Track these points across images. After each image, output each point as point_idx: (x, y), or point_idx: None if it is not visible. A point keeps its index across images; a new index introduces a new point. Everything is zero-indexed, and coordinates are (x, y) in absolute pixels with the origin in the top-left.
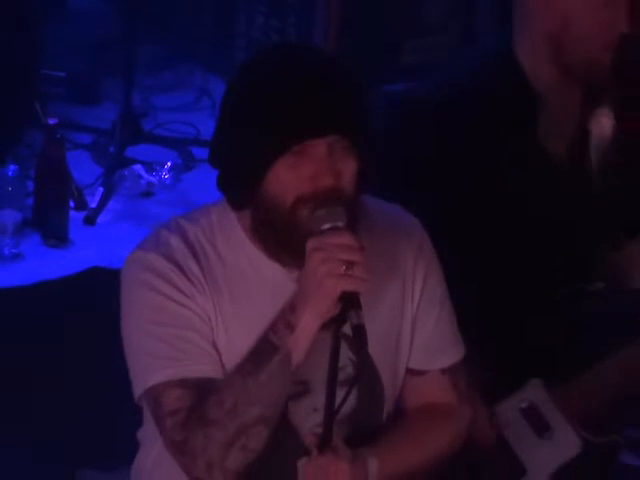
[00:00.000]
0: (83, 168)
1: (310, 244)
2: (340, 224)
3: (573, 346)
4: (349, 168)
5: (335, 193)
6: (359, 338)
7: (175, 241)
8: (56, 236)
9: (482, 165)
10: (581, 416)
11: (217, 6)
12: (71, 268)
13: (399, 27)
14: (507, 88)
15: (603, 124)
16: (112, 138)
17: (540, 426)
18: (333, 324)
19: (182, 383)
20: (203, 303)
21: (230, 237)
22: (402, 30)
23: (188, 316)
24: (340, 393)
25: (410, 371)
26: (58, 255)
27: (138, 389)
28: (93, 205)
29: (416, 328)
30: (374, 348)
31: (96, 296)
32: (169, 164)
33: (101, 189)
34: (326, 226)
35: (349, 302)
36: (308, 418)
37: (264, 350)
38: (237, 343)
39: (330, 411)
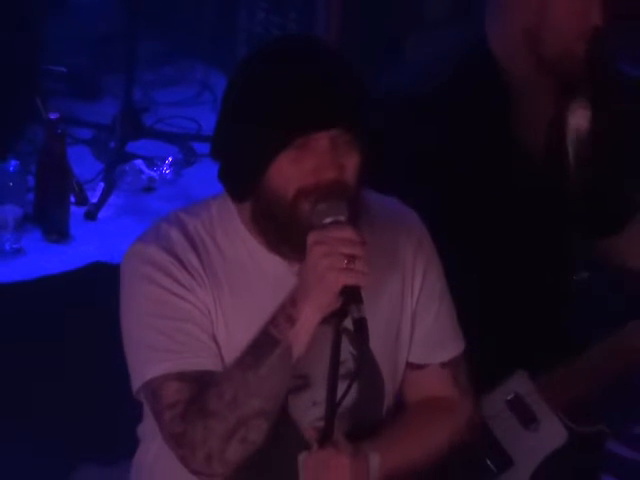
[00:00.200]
0: (84, 163)
1: (311, 238)
2: (342, 218)
3: (558, 336)
4: (352, 162)
5: (338, 187)
6: (360, 332)
7: (175, 234)
8: (57, 231)
9: (461, 157)
10: (566, 406)
11: (218, 1)
12: (72, 263)
13: (400, 22)
14: (481, 80)
15: (579, 115)
16: (113, 133)
17: (526, 417)
18: (334, 318)
19: (181, 376)
20: (203, 296)
21: (230, 230)
22: (403, 25)
23: (188, 309)
24: (341, 387)
25: (410, 365)
26: (59, 250)
27: (136, 382)
28: (94, 200)
29: (416, 322)
30: (374, 342)
31: (97, 291)
32: (170, 159)
33: (102, 184)
34: (328, 220)
35: (350, 296)
36: (308, 412)
37: (264, 343)
38: (237, 336)
39: (331, 405)
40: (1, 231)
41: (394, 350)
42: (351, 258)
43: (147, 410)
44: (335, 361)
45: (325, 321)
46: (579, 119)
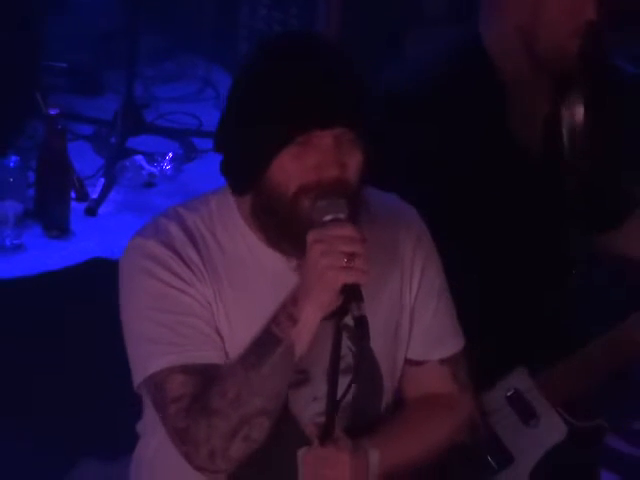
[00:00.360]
0: (84, 159)
1: (311, 236)
2: (342, 216)
3: (557, 332)
4: (354, 160)
5: (339, 184)
6: (361, 330)
7: (174, 229)
8: (57, 227)
9: (458, 156)
10: (565, 401)
11: None
12: (72, 259)
13: (400, 18)
14: (477, 79)
15: (574, 111)
16: (114, 129)
17: (526, 413)
18: (335, 316)
19: (185, 369)
20: (203, 290)
21: (229, 225)
22: (403, 21)
23: (189, 303)
24: (340, 382)
25: (409, 361)
26: (59, 246)
27: (138, 377)
28: (94, 196)
29: (414, 318)
30: (373, 338)
31: (97, 287)
32: (170, 155)
33: (102, 180)
34: (327, 217)
35: (350, 294)
36: (308, 407)
37: (266, 342)
38: (238, 331)
39: (332, 402)
40: (1, 227)
41: (393, 346)
42: (351, 256)
43: (147, 405)
44: (336, 358)
45: (325, 318)
46: (574, 115)
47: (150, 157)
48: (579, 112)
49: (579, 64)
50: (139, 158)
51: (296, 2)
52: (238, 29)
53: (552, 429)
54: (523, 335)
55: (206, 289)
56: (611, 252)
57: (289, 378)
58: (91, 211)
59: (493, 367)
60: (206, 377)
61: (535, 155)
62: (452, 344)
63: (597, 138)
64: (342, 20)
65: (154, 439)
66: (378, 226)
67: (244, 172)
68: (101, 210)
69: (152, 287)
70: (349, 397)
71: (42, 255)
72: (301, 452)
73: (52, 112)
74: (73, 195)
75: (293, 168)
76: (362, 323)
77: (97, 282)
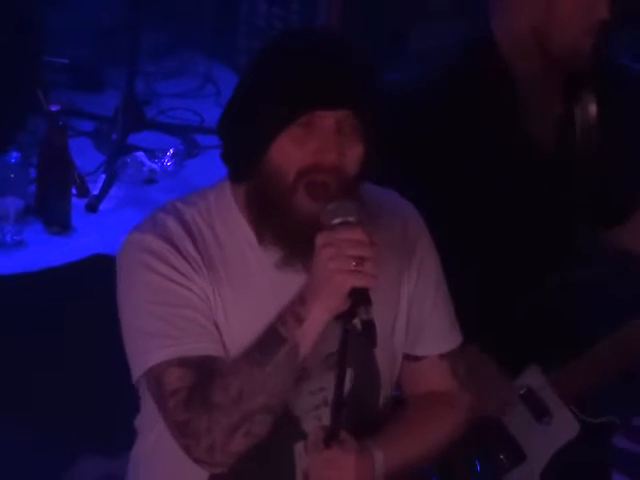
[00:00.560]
0: (86, 155)
1: (320, 240)
2: (351, 219)
3: (569, 330)
4: (355, 151)
5: (336, 171)
6: (369, 334)
7: (172, 223)
8: (58, 223)
9: (470, 151)
10: (578, 398)
11: None
12: (73, 255)
13: (403, 14)
14: (489, 76)
15: (586, 108)
16: (115, 125)
17: (539, 411)
18: (342, 319)
19: (182, 362)
20: (201, 284)
21: (228, 219)
22: (407, 16)
23: (187, 296)
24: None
25: (407, 357)
26: (60, 242)
27: (137, 371)
28: (95, 192)
29: (412, 312)
30: None
31: (98, 283)
32: (171, 151)
33: (103, 176)
34: (337, 220)
35: (359, 298)
36: (304, 401)
37: (271, 341)
38: (236, 325)
39: (338, 404)
40: (2, 223)
41: (390, 340)
42: (360, 260)
43: (145, 400)
44: (342, 362)
45: (332, 319)
46: (586, 112)
47: (151, 153)
48: (592, 110)
49: (592, 62)
50: (140, 154)
51: None
52: (238, 26)
53: (565, 426)
54: (526, 332)
55: (204, 283)
56: (616, 248)
57: (293, 377)
58: (92, 207)
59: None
60: (203, 370)
61: (545, 151)
62: (450, 340)
63: (608, 135)
64: (343, 16)
65: (152, 434)
66: (376, 221)
67: (245, 155)
68: (102, 206)
69: (150, 280)
70: (345, 391)
71: (43, 251)
72: (298, 446)
73: (53, 108)
74: (74, 191)
75: (293, 152)
76: (370, 327)
77: (98, 278)
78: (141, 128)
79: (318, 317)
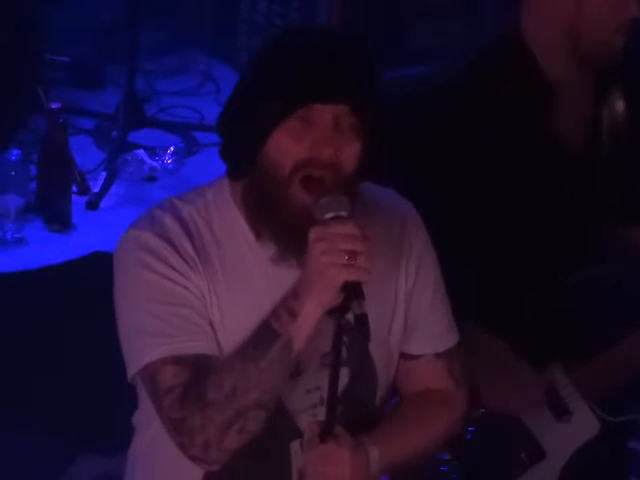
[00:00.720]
0: (86, 153)
1: (313, 234)
2: (343, 213)
3: (590, 328)
4: (352, 148)
5: (333, 166)
6: (362, 328)
7: (169, 220)
8: (59, 221)
9: (494, 150)
10: (599, 397)
11: None
12: (74, 253)
13: (403, 12)
14: (519, 75)
15: (615, 106)
16: (115, 123)
17: (559, 409)
18: (335, 313)
19: (177, 360)
20: (197, 281)
21: (225, 217)
22: (407, 16)
23: (183, 294)
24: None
25: (404, 355)
26: (61, 240)
27: (132, 368)
28: (96, 190)
29: (410, 310)
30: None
31: (98, 281)
32: (172, 149)
33: (104, 174)
34: (329, 215)
35: (352, 292)
36: (300, 399)
37: (265, 336)
38: (231, 322)
39: (333, 399)
40: (3, 220)
41: (387, 339)
42: (352, 254)
43: (142, 398)
44: (336, 357)
45: (326, 314)
46: (615, 111)
47: (151, 151)
48: (620, 108)
49: (622, 60)
50: (140, 152)
51: None
52: (239, 24)
53: (585, 425)
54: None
55: (200, 281)
56: (636, 245)
57: (287, 372)
58: (92, 205)
59: None
60: (198, 368)
61: (573, 151)
62: (447, 338)
63: (634, 134)
64: (343, 14)
65: (149, 430)
66: (374, 219)
67: (243, 149)
68: (102, 204)
69: (146, 278)
70: (342, 389)
71: (43, 249)
72: (294, 444)
73: (54, 106)
74: (74, 189)
75: (290, 146)
76: (363, 321)
77: (98, 276)
78: (141, 126)
79: (312, 311)
